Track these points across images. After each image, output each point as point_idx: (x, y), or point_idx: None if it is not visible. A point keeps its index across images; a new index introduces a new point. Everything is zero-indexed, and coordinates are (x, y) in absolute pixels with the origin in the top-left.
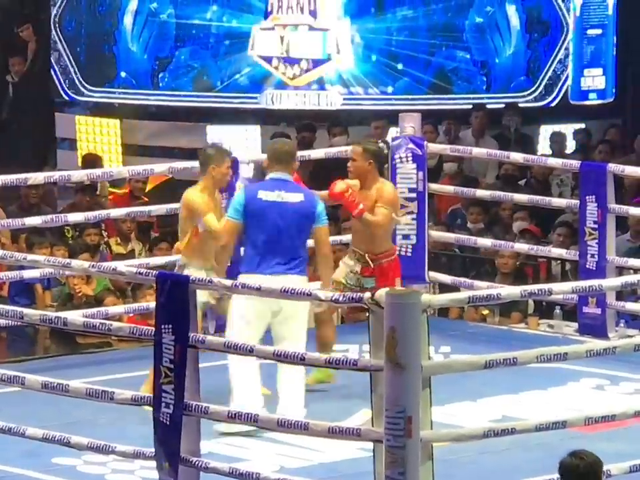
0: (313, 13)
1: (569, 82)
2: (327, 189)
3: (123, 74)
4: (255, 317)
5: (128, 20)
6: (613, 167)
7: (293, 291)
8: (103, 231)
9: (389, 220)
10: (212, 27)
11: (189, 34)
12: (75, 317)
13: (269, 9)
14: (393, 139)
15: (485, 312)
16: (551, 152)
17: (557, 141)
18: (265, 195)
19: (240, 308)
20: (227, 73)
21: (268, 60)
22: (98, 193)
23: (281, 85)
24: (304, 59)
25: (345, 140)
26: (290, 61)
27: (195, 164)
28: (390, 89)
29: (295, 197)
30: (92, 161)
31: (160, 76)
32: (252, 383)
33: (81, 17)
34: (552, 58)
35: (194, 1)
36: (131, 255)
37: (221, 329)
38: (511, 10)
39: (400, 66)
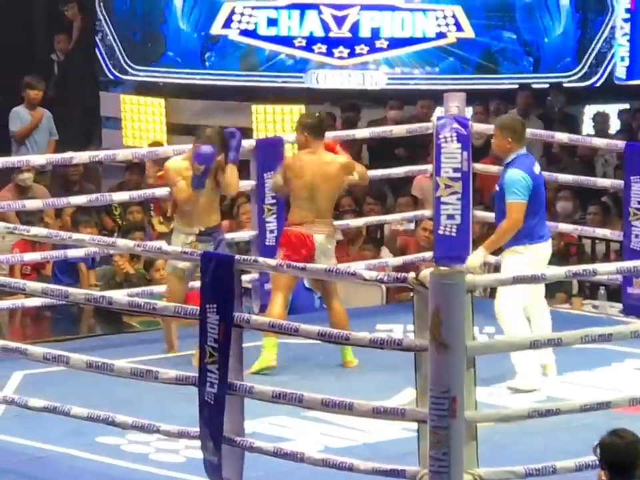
0: None
1: (618, 61)
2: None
3: (170, 53)
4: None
5: None
6: None
7: (337, 271)
8: (151, 211)
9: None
10: None
11: None
12: (120, 296)
13: None
14: (438, 119)
15: None
16: (594, 132)
17: (600, 121)
18: (536, 169)
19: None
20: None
21: (285, 40)
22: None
23: (326, 65)
24: (383, 38)
25: (400, 115)
26: (347, 42)
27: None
28: (436, 69)
29: (539, 167)
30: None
31: (207, 55)
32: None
33: None
34: (597, 38)
35: None
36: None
37: (265, 308)
38: None
39: (446, 46)
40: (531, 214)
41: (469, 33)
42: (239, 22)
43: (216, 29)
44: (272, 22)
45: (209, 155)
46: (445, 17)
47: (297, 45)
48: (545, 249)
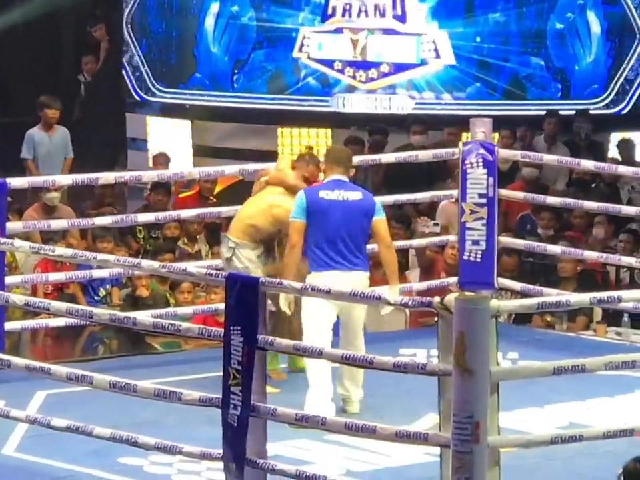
0: (401, 18)
1: None
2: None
3: (198, 75)
4: (326, 306)
5: (209, 22)
6: None
7: (362, 295)
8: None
9: None
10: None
11: (267, 36)
12: (144, 317)
13: (329, 12)
14: (464, 144)
15: (548, 318)
16: (620, 159)
17: (626, 148)
18: (325, 195)
19: (312, 303)
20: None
21: (329, 63)
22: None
23: (352, 89)
24: (385, 62)
25: (424, 139)
26: (364, 65)
27: (266, 165)
28: (462, 95)
29: (355, 195)
30: (160, 160)
31: (235, 77)
32: (326, 383)
33: (169, 18)
34: (624, 65)
35: (275, 4)
36: (197, 255)
37: None
38: (592, 16)
39: (474, 71)
40: (313, 240)
41: (448, 59)
42: (308, 46)
43: (295, 52)
44: (321, 46)
45: None
46: (427, 42)
47: (335, 68)
48: (330, 278)
